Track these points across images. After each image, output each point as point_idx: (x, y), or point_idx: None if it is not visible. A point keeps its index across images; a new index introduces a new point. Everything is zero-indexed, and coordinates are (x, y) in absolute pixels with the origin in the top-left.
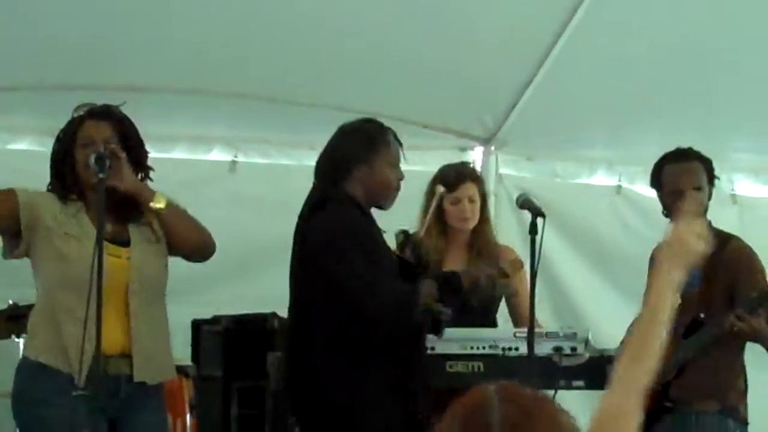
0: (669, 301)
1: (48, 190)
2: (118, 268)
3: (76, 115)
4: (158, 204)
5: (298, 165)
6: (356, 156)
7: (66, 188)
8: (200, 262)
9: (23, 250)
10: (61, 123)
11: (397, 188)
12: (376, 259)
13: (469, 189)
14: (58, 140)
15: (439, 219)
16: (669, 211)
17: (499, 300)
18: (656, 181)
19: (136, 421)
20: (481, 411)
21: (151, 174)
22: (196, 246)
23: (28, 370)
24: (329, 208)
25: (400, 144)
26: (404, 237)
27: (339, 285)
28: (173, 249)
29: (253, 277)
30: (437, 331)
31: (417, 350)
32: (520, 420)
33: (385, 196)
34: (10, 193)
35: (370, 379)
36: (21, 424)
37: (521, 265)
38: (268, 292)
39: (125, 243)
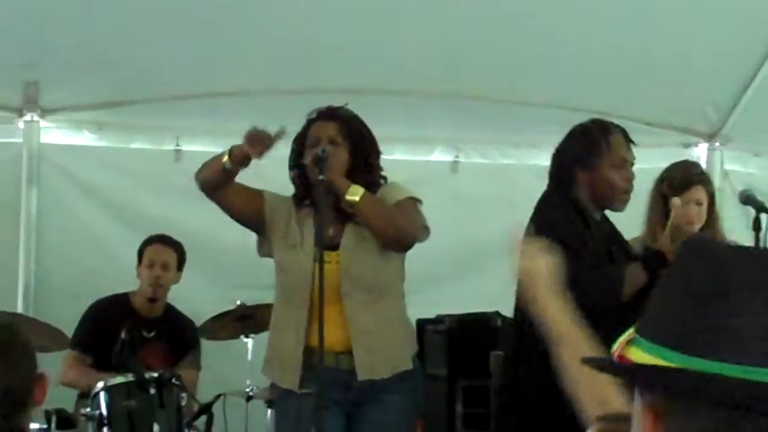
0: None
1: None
2: (328, 273)
3: (309, 118)
4: (353, 196)
5: (519, 164)
6: (577, 160)
7: (300, 192)
8: (400, 252)
9: (267, 251)
10: (287, 126)
11: (625, 189)
12: (583, 257)
13: (697, 192)
14: (293, 144)
15: (665, 219)
16: None
17: None
18: None
19: (368, 416)
20: None
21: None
22: (391, 237)
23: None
24: (542, 211)
25: (631, 141)
26: None
27: None
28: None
29: (476, 276)
30: None
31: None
32: None
33: (610, 198)
34: (260, 193)
35: None
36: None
37: None
38: (491, 291)
39: (335, 247)
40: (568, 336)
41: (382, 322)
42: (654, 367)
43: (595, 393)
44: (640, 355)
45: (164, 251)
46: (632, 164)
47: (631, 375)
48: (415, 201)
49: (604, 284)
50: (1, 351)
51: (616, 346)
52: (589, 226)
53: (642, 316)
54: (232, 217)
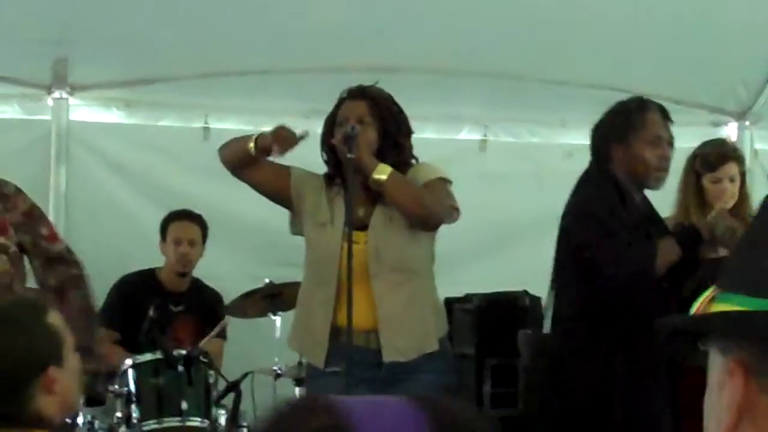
0: None
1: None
2: (357, 254)
3: (340, 97)
4: (380, 175)
5: (547, 143)
6: (613, 136)
7: (331, 170)
8: (428, 231)
9: (299, 229)
10: (315, 105)
11: (659, 167)
12: (618, 231)
13: (731, 169)
14: (324, 123)
15: (698, 197)
16: None
17: None
18: None
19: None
20: None
21: None
22: (417, 217)
23: (311, 372)
24: (581, 188)
25: (670, 120)
26: None
27: (577, 258)
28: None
29: (504, 255)
30: None
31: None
32: None
33: (644, 175)
34: (286, 169)
35: (616, 356)
36: None
37: None
38: (520, 270)
39: (365, 227)
40: None
41: (409, 304)
42: (744, 312)
43: None
44: (726, 309)
45: (189, 227)
46: (670, 143)
47: (719, 325)
48: (445, 181)
49: (636, 261)
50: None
51: (697, 305)
52: (625, 203)
53: (723, 272)
54: (259, 192)
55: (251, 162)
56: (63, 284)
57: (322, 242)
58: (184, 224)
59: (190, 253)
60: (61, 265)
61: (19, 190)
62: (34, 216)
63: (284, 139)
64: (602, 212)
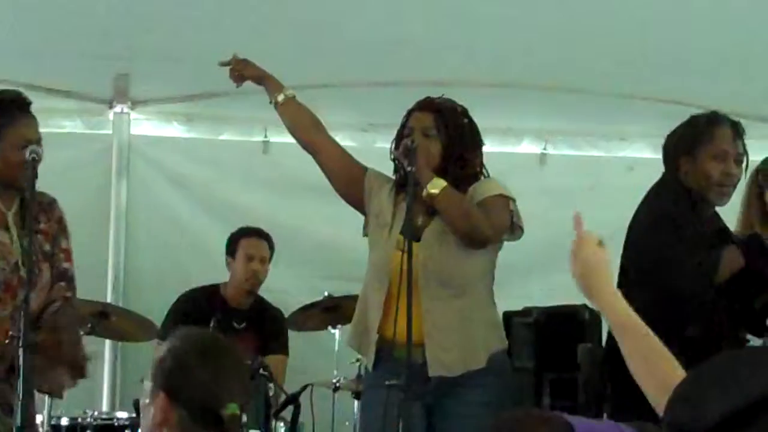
0: (622, 308)
1: None
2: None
3: (410, 108)
4: (433, 189)
5: (608, 156)
6: (681, 147)
7: (398, 179)
8: (475, 248)
9: (368, 230)
10: (373, 118)
11: (720, 183)
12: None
13: None
14: (397, 133)
15: (761, 211)
16: None
17: None
18: None
19: (447, 409)
20: None
21: None
22: (463, 233)
23: (366, 375)
24: (650, 197)
25: (741, 137)
26: None
27: (643, 270)
28: None
29: (563, 268)
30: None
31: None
32: None
33: (704, 188)
34: (362, 167)
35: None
36: None
37: None
38: None
39: (419, 239)
40: (629, 325)
41: (458, 319)
42: None
43: (659, 381)
44: None
45: (261, 245)
46: (738, 160)
47: None
48: (506, 199)
49: (699, 269)
50: None
51: None
52: (696, 213)
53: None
54: (332, 184)
55: (286, 113)
56: (58, 299)
57: (381, 245)
58: (257, 242)
59: (261, 270)
60: (63, 282)
61: (55, 201)
62: (61, 226)
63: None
64: (678, 216)
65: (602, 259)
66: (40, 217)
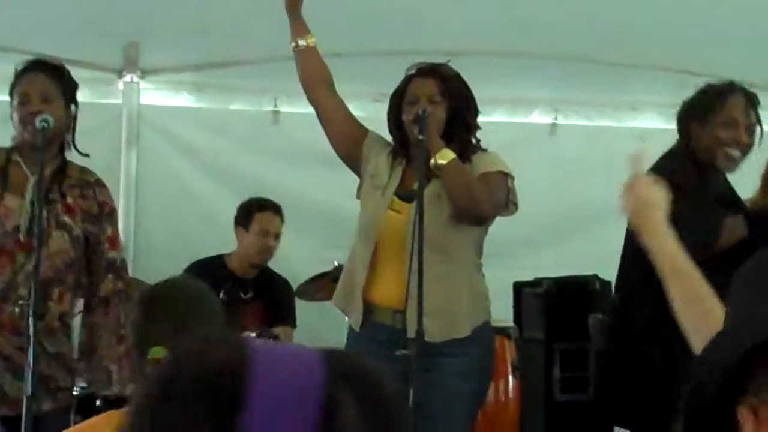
0: (673, 250)
1: None
2: (396, 224)
3: (408, 73)
4: (441, 160)
5: (618, 126)
6: (693, 114)
7: (397, 144)
8: (470, 224)
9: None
10: (384, 88)
11: (727, 145)
12: (690, 201)
13: None
14: (391, 98)
15: None
16: None
17: None
18: None
19: (425, 377)
20: None
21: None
22: (463, 208)
23: (349, 332)
24: (663, 161)
25: (755, 107)
26: None
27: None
28: None
29: (574, 239)
30: None
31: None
32: None
33: (712, 154)
34: (364, 131)
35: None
36: None
37: None
38: (590, 254)
39: (411, 199)
40: (678, 267)
41: (442, 286)
42: None
43: (708, 328)
44: None
45: (276, 221)
46: (750, 130)
47: None
48: (505, 175)
49: (700, 231)
50: None
51: None
52: (703, 180)
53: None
54: (331, 143)
55: (304, 58)
56: (108, 297)
57: (370, 205)
58: (272, 217)
59: (274, 246)
60: (111, 275)
61: (101, 182)
62: (105, 211)
63: None
64: (680, 179)
65: (657, 196)
66: (73, 191)
